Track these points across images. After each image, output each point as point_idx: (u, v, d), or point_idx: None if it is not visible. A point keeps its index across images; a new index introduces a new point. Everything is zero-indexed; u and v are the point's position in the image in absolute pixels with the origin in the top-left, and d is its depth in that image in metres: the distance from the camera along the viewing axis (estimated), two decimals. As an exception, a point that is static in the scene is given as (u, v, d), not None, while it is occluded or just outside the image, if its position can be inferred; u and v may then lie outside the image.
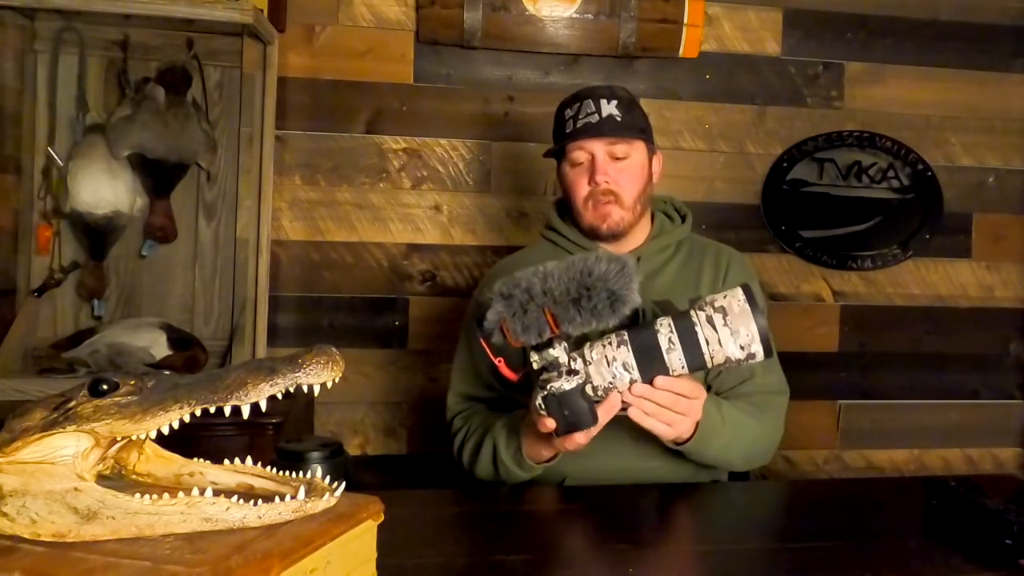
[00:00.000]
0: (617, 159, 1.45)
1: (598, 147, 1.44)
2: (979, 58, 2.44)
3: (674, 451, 1.44)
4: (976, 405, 2.48)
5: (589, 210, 1.46)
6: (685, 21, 2.20)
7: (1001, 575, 0.97)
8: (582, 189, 1.46)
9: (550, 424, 1.13)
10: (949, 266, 2.46)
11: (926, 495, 1.12)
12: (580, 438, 1.16)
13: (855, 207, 2.40)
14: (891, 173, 2.41)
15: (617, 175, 1.44)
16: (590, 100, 1.45)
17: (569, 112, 1.47)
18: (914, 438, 2.45)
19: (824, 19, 2.38)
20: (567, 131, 1.46)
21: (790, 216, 2.37)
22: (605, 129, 1.43)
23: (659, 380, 1.14)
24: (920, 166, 2.41)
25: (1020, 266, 2.49)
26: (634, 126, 1.47)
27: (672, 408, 1.18)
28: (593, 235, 1.49)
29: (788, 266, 2.40)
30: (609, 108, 1.44)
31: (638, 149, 1.47)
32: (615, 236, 1.48)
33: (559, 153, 1.50)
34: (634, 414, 1.17)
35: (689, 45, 2.23)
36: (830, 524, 1.19)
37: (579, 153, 1.45)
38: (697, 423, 1.26)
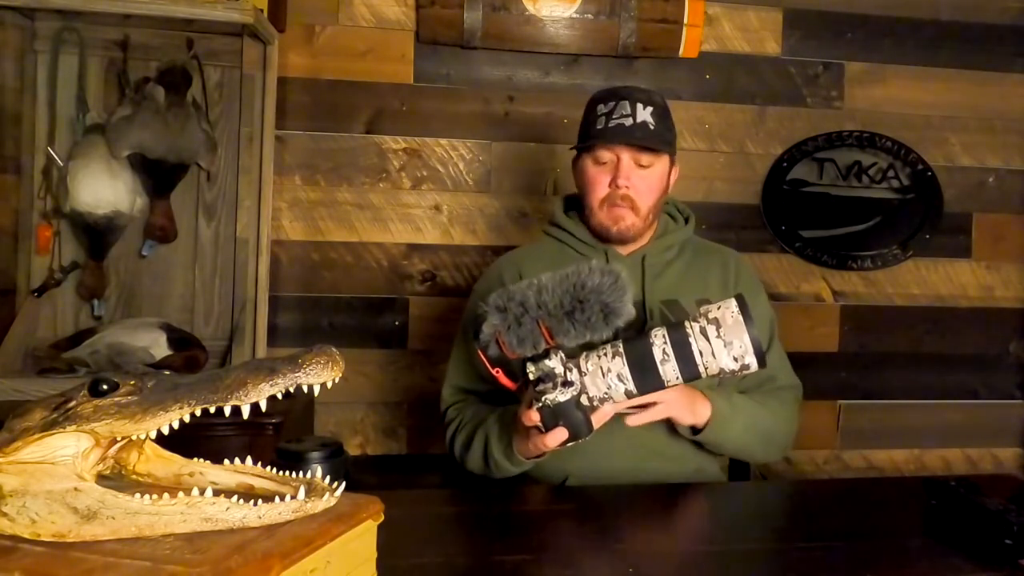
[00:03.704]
0: (641, 166, 1.45)
1: (626, 152, 1.44)
2: (979, 58, 2.44)
3: (674, 451, 1.44)
4: (976, 405, 2.48)
5: (604, 211, 1.47)
6: (685, 21, 2.20)
7: (1001, 575, 0.98)
8: (600, 189, 1.46)
9: (535, 417, 1.16)
10: (949, 266, 2.46)
11: (926, 495, 1.12)
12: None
13: (855, 207, 2.40)
14: (891, 173, 2.41)
15: (638, 182, 1.45)
16: (627, 102, 1.44)
17: (603, 108, 1.46)
18: (914, 438, 2.45)
19: (824, 19, 2.37)
20: (598, 127, 1.45)
21: (790, 216, 2.37)
22: (637, 135, 1.42)
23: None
24: (920, 166, 2.41)
25: (1020, 266, 2.49)
26: (664, 137, 1.47)
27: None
28: (601, 236, 1.50)
29: (788, 266, 2.40)
30: (644, 114, 1.43)
31: (662, 161, 1.48)
32: (623, 240, 1.49)
33: (583, 147, 1.50)
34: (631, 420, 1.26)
35: (689, 45, 2.23)
36: (830, 524, 1.19)
37: (605, 153, 1.45)
38: (710, 416, 1.33)
